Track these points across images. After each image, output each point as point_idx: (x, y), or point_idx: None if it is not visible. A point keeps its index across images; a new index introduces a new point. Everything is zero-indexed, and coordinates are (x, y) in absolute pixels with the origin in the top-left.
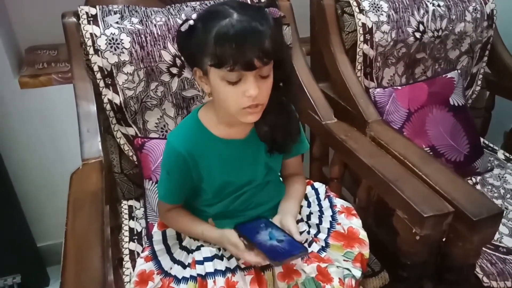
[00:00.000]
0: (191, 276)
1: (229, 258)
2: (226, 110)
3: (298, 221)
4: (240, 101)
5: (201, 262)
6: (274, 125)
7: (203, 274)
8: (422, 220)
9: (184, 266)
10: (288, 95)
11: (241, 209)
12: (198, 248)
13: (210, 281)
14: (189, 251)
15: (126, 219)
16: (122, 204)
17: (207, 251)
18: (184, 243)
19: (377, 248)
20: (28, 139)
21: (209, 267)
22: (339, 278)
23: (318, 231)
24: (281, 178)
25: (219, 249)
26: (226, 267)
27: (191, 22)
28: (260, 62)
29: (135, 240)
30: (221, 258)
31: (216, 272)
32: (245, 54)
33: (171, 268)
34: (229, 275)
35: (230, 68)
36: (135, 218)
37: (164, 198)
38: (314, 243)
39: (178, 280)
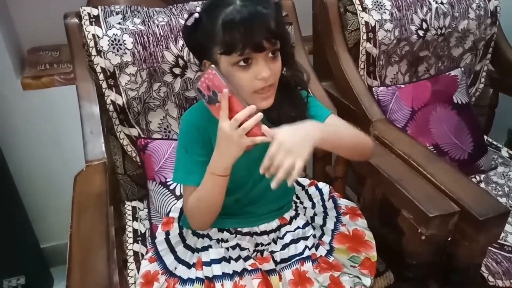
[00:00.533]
0: (197, 278)
1: (236, 260)
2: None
3: (304, 225)
4: (253, 84)
5: (208, 264)
6: (281, 107)
7: (211, 276)
8: (427, 220)
9: (188, 266)
10: (292, 74)
11: (246, 204)
12: (204, 249)
13: (218, 284)
14: (194, 250)
15: (129, 220)
16: (125, 205)
17: (214, 253)
18: (188, 241)
19: (382, 247)
20: (31, 140)
21: (217, 270)
22: (351, 287)
23: (323, 234)
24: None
25: (227, 249)
26: (234, 271)
27: (197, 15)
28: (268, 43)
29: (139, 242)
30: (228, 261)
31: (224, 275)
32: (254, 36)
33: (175, 268)
34: (236, 278)
35: (240, 52)
36: (138, 219)
37: (186, 180)
38: (320, 246)
39: (183, 281)
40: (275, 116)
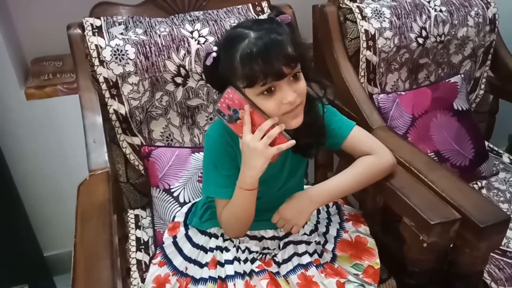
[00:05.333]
0: (209, 277)
1: (244, 262)
2: None
3: (311, 232)
4: (280, 109)
5: (222, 264)
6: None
7: (223, 276)
8: (429, 227)
9: (200, 266)
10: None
11: (258, 210)
12: (219, 248)
13: (230, 284)
14: (207, 250)
15: (132, 228)
16: (128, 214)
17: (228, 254)
18: (195, 240)
19: (384, 255)
20: (34, 150)
21: (230, 270)
22: None
23: (326, 241)
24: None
25: (237, 250)
26: (244, 271)
27: (214, 54)
28: (288, 68)
29: (142, 250)
30: (238, 261)
31: (236, 274)
32: (273, 65)
33: (186, 268)
34: (247, 278)
35: (262, 83)
36: (141, 228)
37: (218, 194)
38: (324, 253)
39: (195, 281)
40: (294, 137)
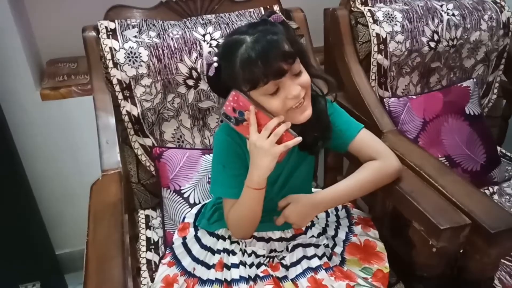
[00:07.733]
0: (216, 279)
1: (250, 266)
2: None
3: (319, 234)
4: (287, 104)
5: (228, 267)
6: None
7: (229, 280)
8: (438, 232)
9: (208, 267)
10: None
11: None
12: (226, 251)
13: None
14: (214, 251)
15: (143, 228)
16: (139, 214)
17: (235, 258)
18: (204, 242)
19: (393, 259)
20: (49, 149)
21: (235, 273)
22: None
23: (335, 244)
24: (313, 190)
25: (243, 254)
26: (248, 275)
27: (215, 64)
28: (287, 65)
29: (152, 250)
30: (244, 265)
31: (241, 279)
32: (272, 65)
33: (194, 269)
34: (251, 283)
35: (264, 82)
36: (151, 228)
37: (225, 194)
38: (333, 256)
39: (202, 282)
40: (300, 134)
